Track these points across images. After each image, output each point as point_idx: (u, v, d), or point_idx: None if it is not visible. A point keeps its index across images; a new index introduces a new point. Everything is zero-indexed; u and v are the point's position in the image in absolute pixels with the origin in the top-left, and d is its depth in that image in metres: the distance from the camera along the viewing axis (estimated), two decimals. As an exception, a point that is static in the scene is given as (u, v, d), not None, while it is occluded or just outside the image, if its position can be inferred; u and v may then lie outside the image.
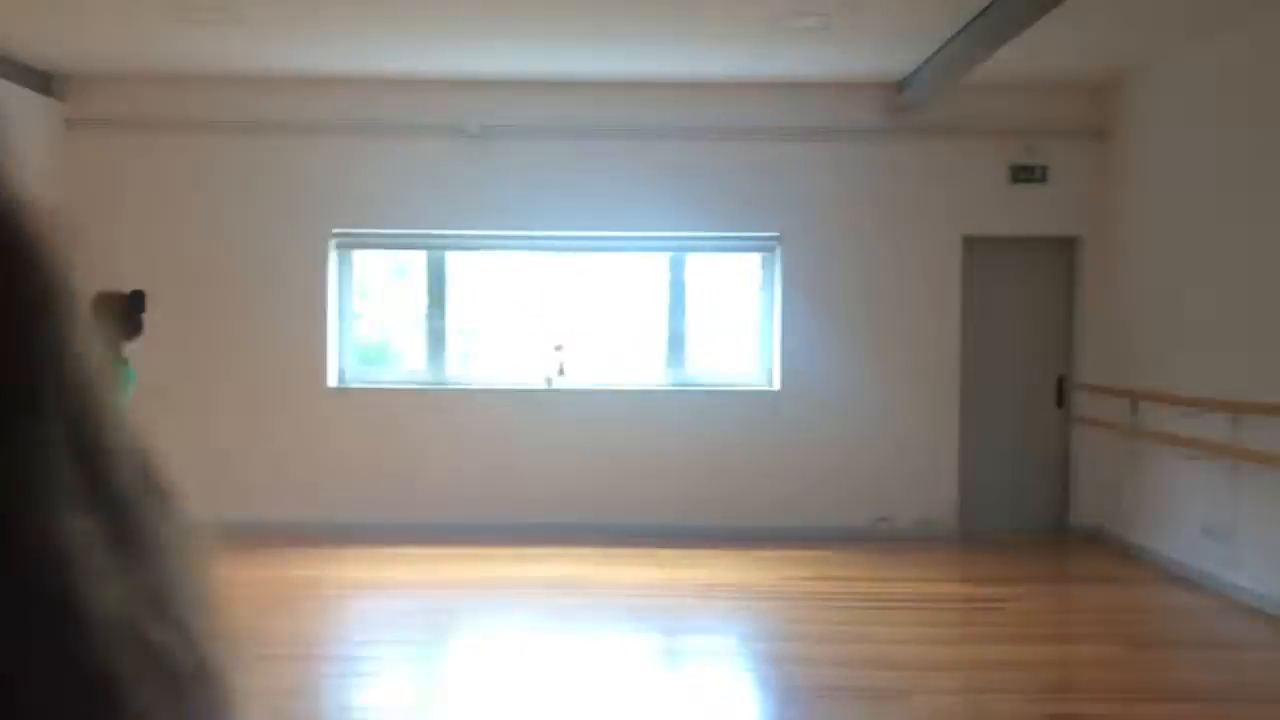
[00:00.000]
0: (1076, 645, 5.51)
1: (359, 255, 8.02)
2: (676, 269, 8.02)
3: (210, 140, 7.67)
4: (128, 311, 4.62)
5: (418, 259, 8.06)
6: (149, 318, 5.00)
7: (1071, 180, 7.73)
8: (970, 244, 7.79)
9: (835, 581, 6.46)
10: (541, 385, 7.89)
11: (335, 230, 7.75)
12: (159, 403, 7.43)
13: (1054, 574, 7.15)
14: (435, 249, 7.95)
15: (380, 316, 8.39)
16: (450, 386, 7.93)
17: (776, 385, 7.83)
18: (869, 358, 7.76)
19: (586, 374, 8.02)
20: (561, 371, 7.92)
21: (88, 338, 0.36)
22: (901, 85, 7.51)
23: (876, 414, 7.75)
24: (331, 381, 7.78)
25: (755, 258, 8.05)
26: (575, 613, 5.79)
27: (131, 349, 4.67)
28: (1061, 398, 7.90)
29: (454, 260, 8.08)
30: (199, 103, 7.63)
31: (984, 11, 5.73)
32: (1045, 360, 7.91)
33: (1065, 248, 7.87)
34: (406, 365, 8.17)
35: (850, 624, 5.56)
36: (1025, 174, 7.76)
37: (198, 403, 7.62)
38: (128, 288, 4.88)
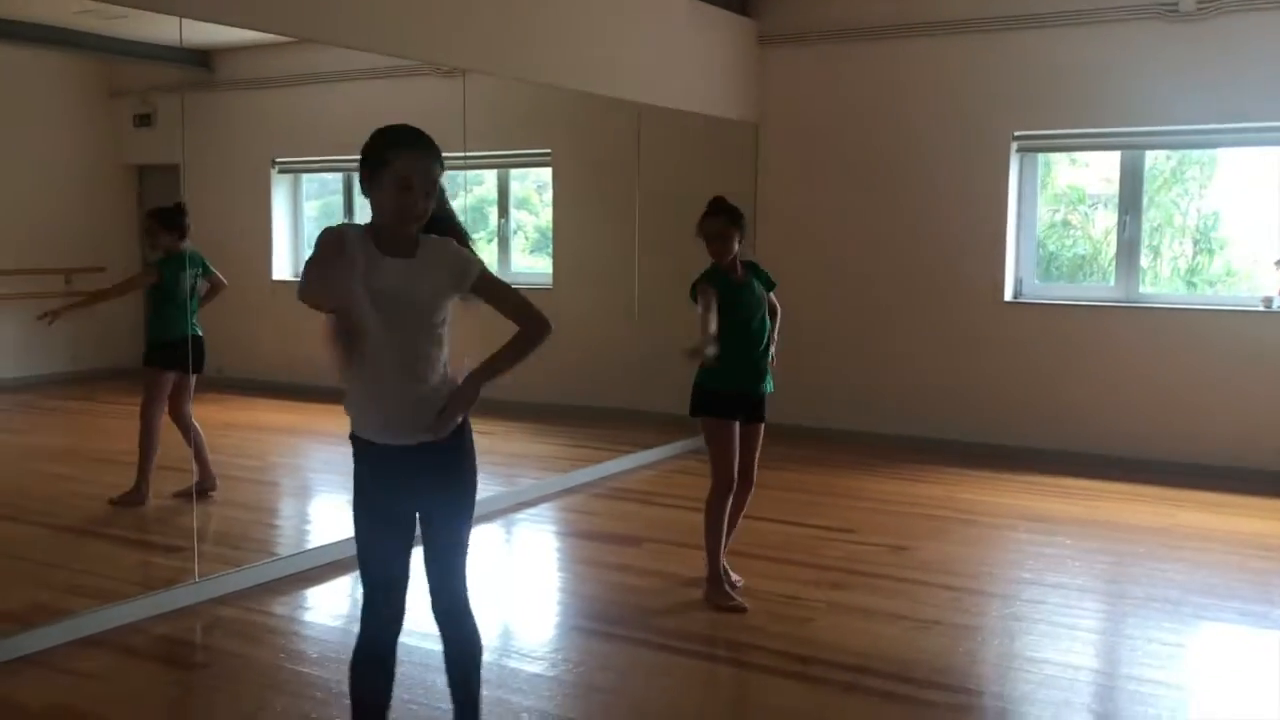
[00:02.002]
0: None
1: (1041, 159, 7.39)
2: None
3: (890, 46, 7.50)
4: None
5: (1109, 160, 7.22)
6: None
7: None
8: None
9: None
10: (1258, 307, 6.69)
11: (1017, 133, 7.19)
12: (833, 305, 7.64)
13: None
14: (1132, 149, 7.04)
15: (1062, 225, 7.68)
16: (1144, 305, 7.04)
17: None
18: None
19: (1319, 294, 6.70)
20: (1287, 290, 6.66)
21: None
22: None
23: None
24: (1008, 295, 7.32)
25: None
26: (1279, 583, 4.82)
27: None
28: None
29: (1153, 160, 7.13)
30: (880, 9, 7.49)
31: None
32: None
33: None
34: (1093, 280, 7.44)
35: None
36: None
37: (871, 307, 7.68)
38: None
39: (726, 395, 4.43)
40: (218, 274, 5.90)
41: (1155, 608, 4.50)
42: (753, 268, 4.62)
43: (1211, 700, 3.69)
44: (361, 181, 2.64)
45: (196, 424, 5.75)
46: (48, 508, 5.82)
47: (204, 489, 5.73)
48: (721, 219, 4.46)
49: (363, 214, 9.55)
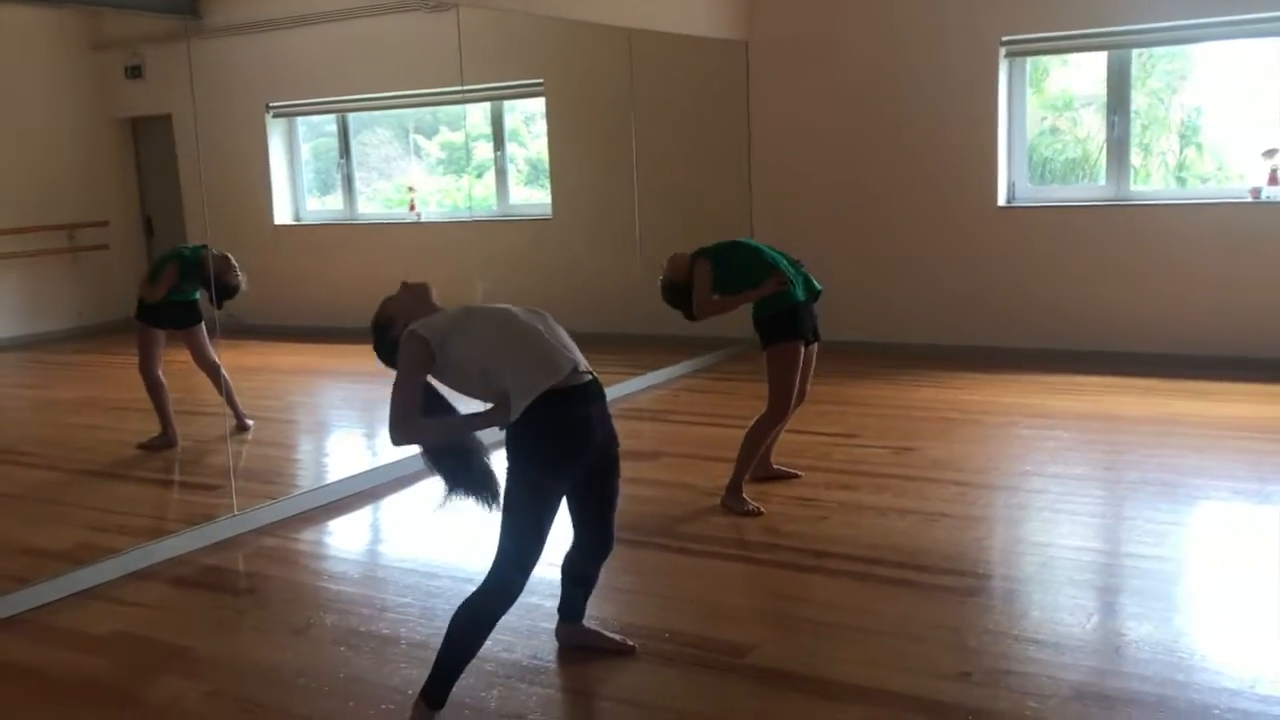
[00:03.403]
0: None
1: (1031, 62, 7.46)
2: None
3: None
4: None
5: (1097, 61, 7.30)
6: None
7: None
8: None
9: None
10: (1246, 198, 6.82)
11: (1005, 37, 7.24)
12: (829, 219, 7.76)
13: None
14: (1118, 48, 7.10)
15: (1050, 131, 7.77)
16: (1132, 203, 7.17)
17: None
18: None
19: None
20: (1275, 180, 6.76)
21: None
22: None
23: None
24: (1000, 200, 7.43)
25: None
26: (1271, 462, 5.02)
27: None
28: None
29: (1140, 59, 7.20)
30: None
31: None
32: None
33: None
34: (1083, 181, 7.56)
35: None
36: None
37: (866, 219, 7.79)
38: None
39: (791, 312, 4.58)
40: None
41: (1151, 491, 4.71)
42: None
43: (1207, 570, 3.90)
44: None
45: (224, 370, 5.96)
46: (80, 455, 6.02)
47: (240, 428, 6.01)
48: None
49: (360, 154, 9.46)
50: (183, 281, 5.82)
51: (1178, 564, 3.96)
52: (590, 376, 2.97)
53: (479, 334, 2.91)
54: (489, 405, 2.91)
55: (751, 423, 4.72)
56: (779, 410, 4.66)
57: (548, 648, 3.42)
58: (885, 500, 4.70)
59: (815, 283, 4.71)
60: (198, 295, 5.90)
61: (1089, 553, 4.10)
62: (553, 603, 3.45)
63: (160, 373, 5.87)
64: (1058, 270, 7.26)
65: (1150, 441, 5.39)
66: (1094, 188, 7.39)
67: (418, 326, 2.90)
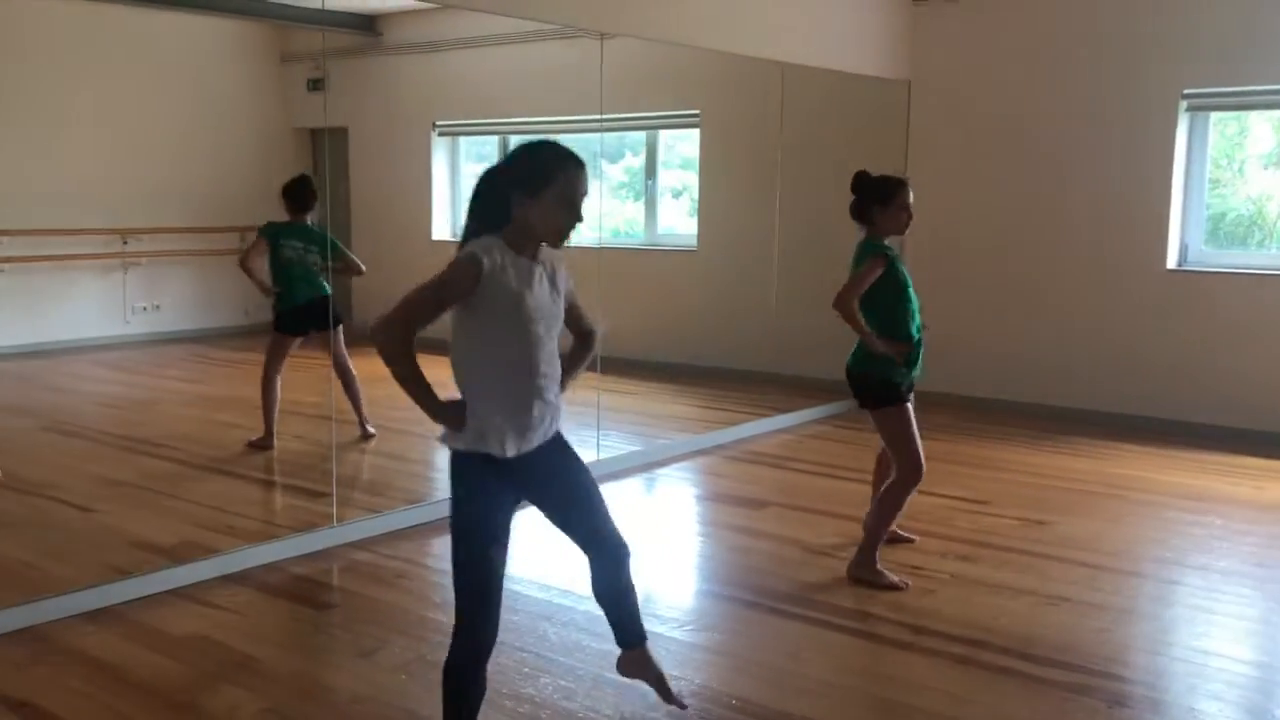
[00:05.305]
0: None
1: (1215, 118, 6.95)
2: None
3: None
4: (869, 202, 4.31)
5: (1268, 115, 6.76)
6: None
7: None
8: None
9: None
10: None
11: (1187, 91, 6.76)
12: (983, 270, 7.39)
13: None
14: (1316, 106, 6.56)
15: (1239, 188, 7.21)
16: (1321, 273, 6.58)
17: None
18: None
19: None
20: None
21: None
22: None
23: None
24: (1170, 263, 6.93)
25: None
26: None
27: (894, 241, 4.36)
28: None
29: None
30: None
31: None
32: None
33: None
34: (1263, 245, 6.99)
35: None
36: None
37: (1023, 272, 7.39)
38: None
39: (887, 382, 4.23)
40: (353, 258, 6.11)
41: (1309, 595, 4.25)
42: None
43: (1358, 696, 3.46)
44: (511, 192, 2.58)
45: (355, 375, 6.07)
46: (209, 452, 6.20)
47: (364, 436, 6.13)
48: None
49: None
50: (275, 246, 5.92)
51: (1325, 683, 3.53)
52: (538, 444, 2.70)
53: (511, 338, 2.61)
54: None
55: (884, 487, 4.36)
56: (912, 471, 4.28)
57: (609, 701, 3.26)
58: (1002, 576, 4.37)
59: (920, 362, 4.31)
60: (328, 288, 5.96)
61: (1224, 659, 3.68)
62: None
63: (279, 381, 6.03)
64: (1230, 341, 6.70)
65: (1315, 539, 4.88)
66: (1277, 255, 6.81)
67: (482, 251, 2.54)
